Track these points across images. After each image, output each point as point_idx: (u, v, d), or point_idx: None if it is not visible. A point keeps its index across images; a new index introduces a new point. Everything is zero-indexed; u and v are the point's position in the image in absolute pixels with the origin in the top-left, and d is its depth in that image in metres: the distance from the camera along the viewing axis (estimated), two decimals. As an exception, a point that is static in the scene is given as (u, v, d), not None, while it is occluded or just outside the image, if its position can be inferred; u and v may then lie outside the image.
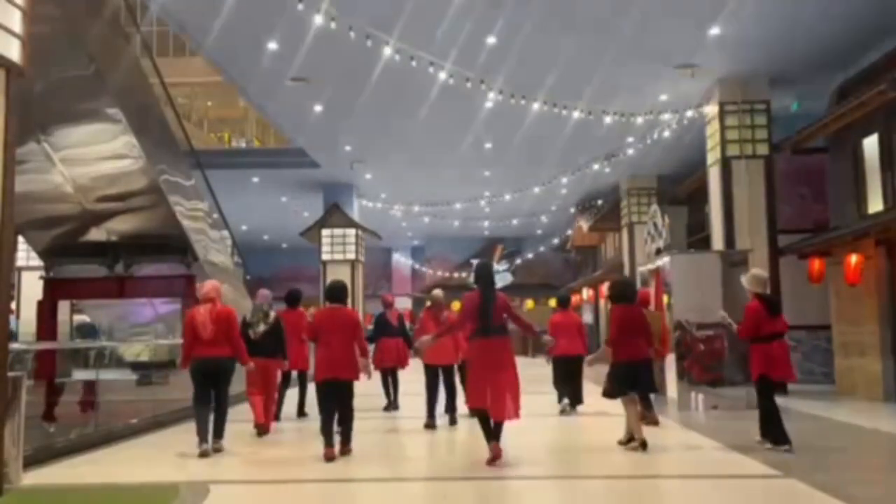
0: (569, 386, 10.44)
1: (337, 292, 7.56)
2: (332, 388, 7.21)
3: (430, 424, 9.17)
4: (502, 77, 12.72)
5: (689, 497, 5.84)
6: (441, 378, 9.46)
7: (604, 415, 9.88)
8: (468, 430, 8.78)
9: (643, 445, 7.31)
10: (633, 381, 7.55)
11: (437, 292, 9.97)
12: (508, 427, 6.92)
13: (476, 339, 6.97)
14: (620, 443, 7.63)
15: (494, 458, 6.69)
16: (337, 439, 7.26)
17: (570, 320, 10.64)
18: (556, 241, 31.42)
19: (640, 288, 10.13)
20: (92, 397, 9.42)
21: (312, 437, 8.61)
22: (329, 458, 7.01)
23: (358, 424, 7.54)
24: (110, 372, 10.64)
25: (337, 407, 7.29)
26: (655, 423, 8.80)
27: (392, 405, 11.25)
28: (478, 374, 6.88)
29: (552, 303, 32.20)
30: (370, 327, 14.14)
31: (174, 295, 12.68)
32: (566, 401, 10.40)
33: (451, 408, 9.51)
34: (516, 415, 6.80)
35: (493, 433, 6.81)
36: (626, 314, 7.67)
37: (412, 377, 11.94)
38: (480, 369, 6.87)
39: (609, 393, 7.65)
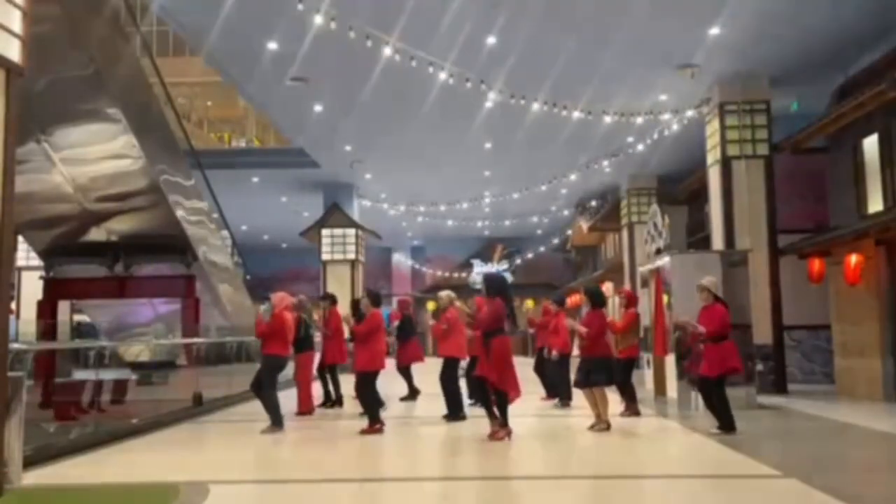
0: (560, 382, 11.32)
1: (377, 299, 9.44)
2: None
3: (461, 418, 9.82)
4: (502, 77, 12.72)
5: (689, 497, 5.84)
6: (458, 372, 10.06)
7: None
8: (471, 427, 8.80)
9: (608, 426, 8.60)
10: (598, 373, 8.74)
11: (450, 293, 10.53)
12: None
13: (506, 336, 8.19)
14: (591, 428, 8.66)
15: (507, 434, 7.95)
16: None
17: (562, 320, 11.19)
18: (556, 241, 31.40)
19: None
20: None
21: (313, 436, 8.63)
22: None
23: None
24: (110, 372, 10.64)
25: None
26: (637, 414, 9.98)
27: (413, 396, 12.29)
28: (510, 363, 8.07)
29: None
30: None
31: (174, 295, 12.67)
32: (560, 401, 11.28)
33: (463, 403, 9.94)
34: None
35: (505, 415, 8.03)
36: (601, 317, 8.97)
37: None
38: (509, 358, 8.11)
39: (591, 382, 8.75)
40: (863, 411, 10.39)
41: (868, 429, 8.86)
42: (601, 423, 8.62)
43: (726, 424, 8.28)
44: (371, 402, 8.85)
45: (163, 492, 5.74)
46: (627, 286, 21.44)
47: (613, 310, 24.71)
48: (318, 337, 11.82)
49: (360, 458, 7.60)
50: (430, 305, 33.11)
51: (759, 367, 11.91)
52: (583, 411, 10.28)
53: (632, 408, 10.06)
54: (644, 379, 13.71)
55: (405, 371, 12.34)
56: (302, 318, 10.60)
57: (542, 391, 12.33)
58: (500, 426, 8.02)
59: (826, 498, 5.30)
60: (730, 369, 8.46)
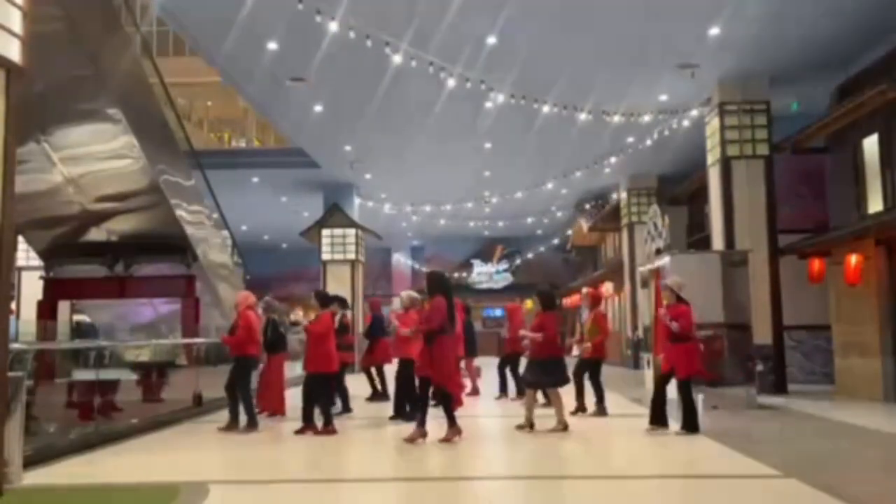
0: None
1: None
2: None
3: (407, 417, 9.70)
4: (502, 77, 12.72)
5: (689, 497, 5.84)
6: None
7: (599, 416, 9.91)
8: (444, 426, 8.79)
9: (532, 426, 8.61)
10: (551, 374, 8.79)
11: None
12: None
13: (447, 336, 8.05)
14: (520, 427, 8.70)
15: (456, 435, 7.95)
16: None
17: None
18: (556, 241, 31.41)
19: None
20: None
21: (313, 437, 8.62)
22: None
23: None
24: (110, 372, 10.65)
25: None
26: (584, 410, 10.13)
27: (383, 396, 12.20)
28: (453, 365, 8.15)
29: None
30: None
31: (174, 295, 12.67)
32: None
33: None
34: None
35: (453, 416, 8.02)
36: (554, 319, 8.97)
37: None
38: (452, 360, 8.16)
39: (540, 384, 8.95)
40: (863, 411, 10.39)
41: (868, 429, 8.85)
42: (558, 425, 8.64)
43: (690, 425, 8.37)
44: (326, 403, 8.96)
45: (163, 492, 5.74)
46: (627, 286, 21.44)
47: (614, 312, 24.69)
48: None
49: (360, 457, 7.60)
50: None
51: (759, 367, 11.91)
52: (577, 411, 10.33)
53: (580, 405, 10.12)
54: (644, 379, 13.72)
55: (376, 371, 12.38)
56: (272, 319, 10.56)
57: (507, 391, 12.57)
58: (449, 427, 7.96)
59: (826, 498, 5.31)
60: (695, 372, 8.55)
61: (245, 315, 9.28)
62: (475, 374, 13.59)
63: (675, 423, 8.63)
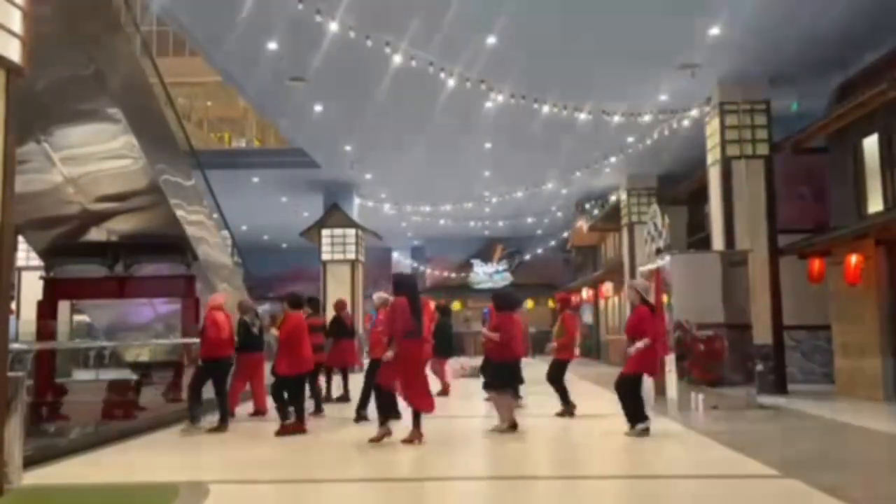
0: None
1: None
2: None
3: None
4: (502, 77, 12.71)
5: (689, 497, 5.84)
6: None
7: (596, 416, 9.92)
8: (431, 424, 8.79)
9: (514, 427, 8.61)
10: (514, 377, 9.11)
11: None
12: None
13: (412, 339, 7.86)
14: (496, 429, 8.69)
15: (418, 438, 7.87)
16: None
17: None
18: (556, 241, 31.42)
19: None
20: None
21: (312, 438, 8.63)
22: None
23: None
24: (110, 372, 10.66)
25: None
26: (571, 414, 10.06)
27: (344, 398, 12.21)
28: (419, 370, 8.05)
29: (549, 303, 32.30)
30: (370, 326, 14.34)
31: (174, 295, 12.66)
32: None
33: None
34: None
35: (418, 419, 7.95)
36: (512, 321, 8.92)
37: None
38: (418, 365, 8.06)
39: (493, 386, 8.97)
40: (863, 411, 10.39)
41: (868, 429, 8.86)
42: (501, 423, 8.65)
43: (638, 419, 8.32)
44: (299, 402, 9.01)
45: (163, 492, 5.74)
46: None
47: (614, 313, 24.69)
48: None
49: (360, 458, 7.61)
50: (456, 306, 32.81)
51: (759, 367, 11.91)
52: (579, 413, 10.33)
53: (567, 409, 10.10)
54: (644, 379, 13.68)
55: (338, 373, 12.40)
56: (244, 320, 10.50)
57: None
58: (381, 425, 7.96)
59: (826, 498, 5.31)
60: (646, 372, 8.55)
61: (209, 316, 9.36)
62: (445, 374, 13.44)
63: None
